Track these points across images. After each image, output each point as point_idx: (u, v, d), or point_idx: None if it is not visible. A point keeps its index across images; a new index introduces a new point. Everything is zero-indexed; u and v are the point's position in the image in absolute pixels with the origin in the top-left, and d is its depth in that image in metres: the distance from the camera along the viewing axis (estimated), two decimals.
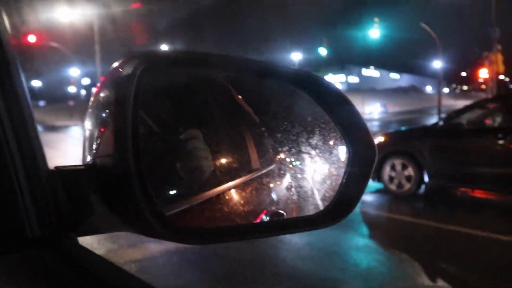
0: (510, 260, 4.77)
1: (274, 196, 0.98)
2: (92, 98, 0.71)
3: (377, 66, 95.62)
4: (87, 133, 0.70)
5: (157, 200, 0.60)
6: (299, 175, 0.95)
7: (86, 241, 0.64)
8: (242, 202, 0.90)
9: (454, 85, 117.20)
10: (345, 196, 0.81)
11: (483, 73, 27.07)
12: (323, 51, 31.26)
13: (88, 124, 0.71)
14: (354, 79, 78.60)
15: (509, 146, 6.84)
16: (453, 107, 24.10)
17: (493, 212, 7.05)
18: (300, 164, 0.95)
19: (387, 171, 7.93)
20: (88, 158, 0.68)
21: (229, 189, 0.89)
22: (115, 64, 0.63)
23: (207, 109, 1.02)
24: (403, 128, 13.81)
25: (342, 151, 0.89)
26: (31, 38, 26.06)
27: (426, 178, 7.56)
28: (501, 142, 6.92)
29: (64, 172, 0.62)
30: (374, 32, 27.82)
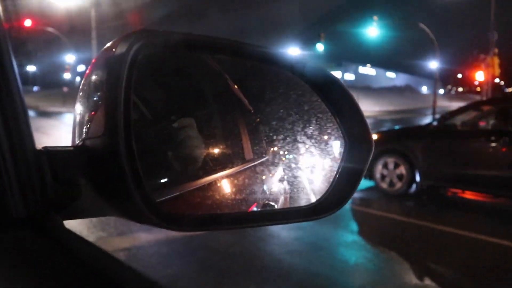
0: (496, 261, 4.82)
1: (266, 187, 0.97)
2: (83, 81, 0.69)
3: (374, 64, 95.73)
4: (78, 117, 0.69)
5: (148, 186, 0.59)
6: (293, 165, 0.94)
7: (74, 228, 0.63)
8: (233, 191, 0.90)
9: (449, 87, 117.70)
10: (338, 190, 0.80)
11: (479, 76, 27.19)
12: (320, 47, 31.21)
13: (78, 107, 0.69)
14: (350, 77, 78.66)
15: (501, 149, 6.88)
16: (447, 108, 24.20)
17: (482, 214, 7.11)
18: (294, 155, 0.94)
19: (379, 169, 7.96)
20: (78, 141, 0.66)
21: (221, 178, 0.89)
22: (108, 44, 0.61)
23: (201, 96, 1.01)
24: (397, 127, 13.88)
25: (337, 145, 0.88)
26: (27, 22, 25.80)
27: (417, 178, 7.60)
28: (494, 144, 6.96)
29: (52, 152, 0.61)
30: (373, 30, 27.83)
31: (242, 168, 0.95)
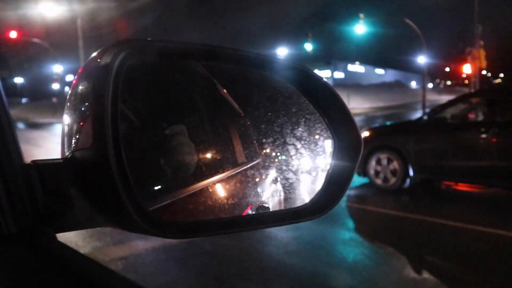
0: (493, 251, 4.85)
1: (259, 189, 0.97)
2: (69, 92, 0.69)
3: (363, 62, 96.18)
4: (66, 128, 0.68)
5: (139, 194, 0.59)
6: (284, 167, 0.94)
7: (70, 239, 0.62)
8: (227, 195, 0.89)
9: (438, 80, 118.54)
10: (331, 189, 0.80)
11: (466, 69, 27.42)
12: (308, 46, 31.30)
13: (66, 118, 0.69)
14: (339, 75, 78.94)
15: (491, 140, 6.94)
16: (437, 102, 24.37)
17: (477, 204, 7.17)
18: (285, 157, 0.94)
19: (372, 165, 7.99)
20: (67, 153, 0.65)
21: (214, 183, 0.88)
22: (93, 55, 0.61)
23: (191, 102, 1.01)
24: (388, 123, 13.94)
25: (328, 144, 0.88)
26: (12, 34, 25.59)
27: (411, 172, 7.65)
28: (484, 136, 7.02)
29: (41, 165, 0.60)
30: (360, 28, 27.97)
31: (234, 172, 0.95)
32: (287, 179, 0.92)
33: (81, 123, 0.62)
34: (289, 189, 0.91)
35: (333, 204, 0.77)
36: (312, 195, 0.85)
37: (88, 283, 0.48)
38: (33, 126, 26.60)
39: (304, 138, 0.90)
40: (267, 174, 0.96)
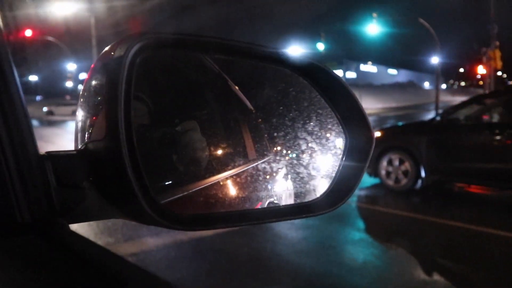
0: (505, 254, 4.79)
1: (270, 184, 0.97)
2: (83, 86, 0.70)
3: (375, 62, 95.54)
4: (79, 122, 0.69)
5: (152, 187, 0.59)
6: (295, 162, 0.94)
7: (81, 233, 0.64)
8: (238, 190, 0.90)
9: (451, 81, 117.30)
10: (341, 184, 0.80)
11: (481, 69, 27.06)
12: (321, 46, 31.19)
13: (80, 112, 0.70)
14: (352, 75, 78.54)
15: (506, 142, 6.85)
16: (450, 103, 24.12)
17: (489, 207, 7.08)
18: (296, 152, 0.94)
19: (384, 166, 7.94)
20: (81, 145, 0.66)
21: (225, 178, 0.89)
22: (106, 48, 0.62)
23: (203, 98, 1.01)
24: (400, 123, 13.83)
25: (338, 140, 0.88)
26: (28, 32, 25.90)
27: (423, 173, 7.58)
28: (498, 137, 6.93)
29: (55, 157, 0.61)
30: (373, 28, 27.78)
31: (245, 168, 0.95)
32: (298, 173, 0.92)
33: (94, 117, 0.63)
34: (300, 183, 0.91)
35: (343, 200, 0.77)
36: (323, 191, 0.85)
37: (102, 271, 0.49)
38: (47, 123, 26.91)
39: (315, 132, 0.90)
40: (278, 170, 0.96)
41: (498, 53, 25.15)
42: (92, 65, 0.66)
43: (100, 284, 0.46)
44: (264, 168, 0.96)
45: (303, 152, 0.92)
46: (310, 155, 0.92)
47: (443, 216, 6.26)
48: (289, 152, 0.94)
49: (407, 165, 7.72)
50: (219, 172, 0.87)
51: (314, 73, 0.83)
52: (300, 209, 0.85)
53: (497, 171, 6.83)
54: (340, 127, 0.85)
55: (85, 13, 30.02)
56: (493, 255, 4.74)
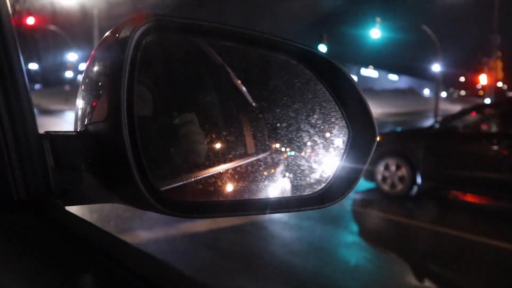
0: (496, 263, 4.80)
1: (269, 177, 0.96)
2: (83, 73, 0.69)
3: (376, 66, 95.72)
4: (81, 103, 0.68)
5: (151, 172, 0.59)
6: (297, 154, 0.93)
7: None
8: (236, 180, 0.89)
9: (452, 90, 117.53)
10: (342, 179, 0.79)
11: (482, 79, 27.13)
12: (322, 48, 31.23)
13: (80, 98, 0.69)
14: None
15: (503, 152, 6.87)
16: (450, 111, 24.19)
17: (483, 216, 7.09)
18: (298, 145, 0.93)
19: (380, 170, 7.94)
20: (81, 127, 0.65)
21: (224, 170, 0.88)
22: (112, 29, 0.60)
23: (203, 90, 1.00)
24: (399, 129, 13.85)
25: (341, 133, 0.87)
26: (30, 20, 25.81)
27: (419, 180, 7.59)
28: (495, 147, 6.95)
29: (54, 137, 0.60)
30: (375, 32, 27.82)
31: (245, 161, 0.94)
32: (299, 166, 0.91)
33: (96, 99, 0.62)
34: (300, 176, 0.91)
35: (343, 194, 0.77)
36: (323, 184, 0.84)
37: (98, 250, 0.48)
38: (45, 112, 26.82)
39: (318, 125, 0.90)
40: (279, 162, 0.95)
41: (499, 64, 25.23)
42: (93, 51, 0.65)
43: (97, 262, 0.46)
44: (265, 159, 0.95)
45: (305, 144, 0.92)
46: (312, 148, 0.91)
47: (437, 223, 6.28)
48: (291, 143, 0.93)
49: (403, 171, 7.73)
50: (217, 164, 0.86)
51: (322, 65, 0.82)
52: (301, 201, 0.84)
53: (492, 181, 6.84)
54: (344, 121, 0.84)
55: (89, 4, 29.95)
56: (484, 264, 4.75)
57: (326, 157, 0.89)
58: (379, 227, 6.32)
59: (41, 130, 0.62)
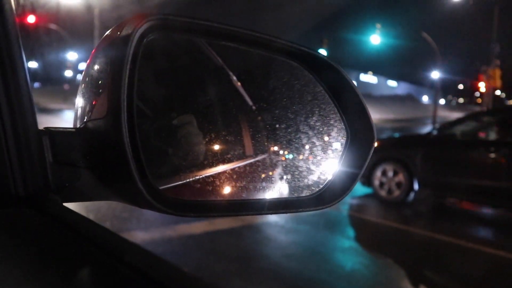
0: (492, 271, 4.80)
1: (268, 178, 0.96)
2: (84, 71, 0.69)
3: (376, 72, 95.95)
4: (81, 100, 0.68)
5: (149, 170, 0.59)
6: (295, 155, 0.93)
7: None
8: (234, 181, 0.89)
9: (450, 97, 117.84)
10: (340, 181, 0.80)
11: (481, 87, 27.22)
12: (322, 53, 31.25)
13: (80, 95, 0.69)
14: None
15: (500, 160, 6.88)
16: (448, 118, 24.24)
17: (479, 224, 7.11)
18: (297, 147, 0.93)
19: (377, 176, 7.95)
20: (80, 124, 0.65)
21: (221, 172, 0.88)
22: (113, 28, 0.61)
23: (203, 91, 1.00)
24: (396, 135, 13.88)
25: (340, 135, 0.87)
26: (31, 19, 25.77)
27: (416, 186, 7.60)
28: (492, 155, 6.96)
29: (53, 133, 0.60)
30: (375, 38, 27.91)
31: (243, 163, 0.94)
32: (297, 167, 0.92)
33: (94, 102, 0.62)
34: (298, 177, 0.91)
35: (340, 196, 0.77)
36: (321, 186, 0.85)
37: (96, 245, 0.48)
38: (44, 111, 26.77)
39: (317, 127, 0.90)
40: (277, 163, 0.96)
41: (498, 72, 25.31)
42: (94, 50, 0.65)
43: (95, 258, 0.46)
44: (264, 160, 0.95)
45: (303, 146, 0.92)
46: (311, 150, 0.91)
47: (433, 229, 6.28)
48: (289, 145, 0.94)
49: (400, 177, 7.74)
50: (215, 165, 0.87)
51: (321, 67, 0.83)
52: (298, 203, 0.84)
53: (489, 189, 6.85)
54: (343, 124, 0.85)
55: (90, 3, 29.96)
56: (480, 272, 4.76)
57: (324, 159, 0.89)
58: (375, 233, 6.32)
59: (39, 128, 0.62)
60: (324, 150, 0.90)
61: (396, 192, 7.77)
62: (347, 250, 5.34)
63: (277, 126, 0.95)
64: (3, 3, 0.60)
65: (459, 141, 7.72)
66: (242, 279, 4.10)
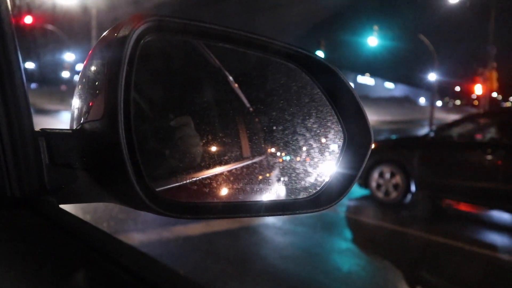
0: (488, 273, 4.81)
1: (265, 180, 0.96)
2: (80, 73, 0.68)
3: (373, 74, 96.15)
4: (77, 101, 0.68)
5: (145, 171, 0.58)
6: (292, 158, 0.93)
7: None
8: (231, 183, 0.89)
9: (447, 99, 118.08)
10: (337, 183, 0.80)
11: (477, 89, 27.31)
12: (320, 55, 31.28)
13: (77, 96, 0.69)
14: None
15: (496, 162, 6.90)
16: (445, 120, 24.32)
17: (477, 225, 7.12)
18: (294, 149, 0.93)
19: (375, 178, 7.96)
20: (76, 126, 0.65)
21: (218, 174, 0.88)
22: (110, 29, 0.60)
23: (200, 93, 1.00)
24: (394, 137, 13.90)
25: (337, 138, 0.87)
26: (28, 19, 25.70)
27: (413, 188, 7.60)
28: (489, 157, 6.98)
29: (50, 134, 0.60)
30: (373, 40, 27.97)
31: (240, 164, 0.94)
32: (294, 169, 0.91)
33: (91, 103, 0.62)
34: (295, 179, 0.91)
35: (337, 198, 0.77)
36: (318, 188, 0.85)
37: (92, 247, 0.48)
38: (41, 111, 26.70)
39: (314, 129, 0.90)
40: (274, 165, 0.96)
41: (494, 74, 25.41)
42: (91, 51, 0.65)
43: (90, 259, 0.45)
44: (261, 162, 0.95)
45: (300, 148, 0.92)
46: (308, 152, 0.91)
47: (430, 231, 6.28)
48: (286, 147, 0.94)
49: (398, 179, 7.75)
50: (212, 167, 0.86)
51: (318, 69, 0.83)
52: (296, 205, 0.84)
53: (487, 190, 6.87)
54: (340, 126, 0.85)
55: (88, 4, 29.92)
56: (477, 273, 4.76)
57: (321, 161, 0.89)
58: (372, 234, 6.32)
59: (35, 129, 0.62)
60: (321, 152, 0.90)
61: (393, 194, 7.78)
62: (344, 252, 5.34)
63: (274, 128, 0.95)
64: None
65: (456, 143, 7.74)
66: (239, 281, 4.10)
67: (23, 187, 0.57)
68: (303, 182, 0.90)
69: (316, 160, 0.90)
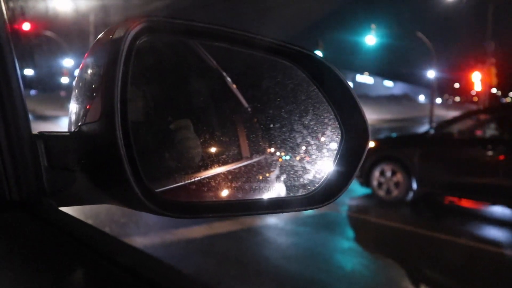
0: (492, 269, 4.81)
1: (263, 178, 0.96)
2: (77, 74, 0.69)
3: (372, 73, 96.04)
4: (75, 104, 0.68)
5: (144, 171, 0.58)
6: (290, 155, 0.93)
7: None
8: (231, 182, 0.89)
9: (446, 96, 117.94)
10: (335, 179, 0.80)
11: (476, 86, 27.32)
12: (318, 54, 31.26)
13: (73, 103, 0.69)
14: None
15: (497, 158, 6.90)
16: (444, 117, 24.31)
17: (479, 222, 7.11)
18: (292, 146, 0.93)
19: (376, 176, 7.95)
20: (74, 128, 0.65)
21: (217, 174, 0.88)
22: (106, 30, 0.61)
23: (198, 94, 1.01)
24: (394, 135, 13.89)
25: (334, 134, 0.87)
26: (26, 26, 25.70)
27: (414, 185, 7.60)
28: (490, 153, 6.97)
29: (48, 137, 0.60)
30: (371, 39, 27.97)
31: (239, 165, 0.95)
32: (292, 166, 0.92)
33: (88, 106, 0.62)
34: (293, 177, 0.91)
35: (336, 195, 0.77)
36: (317, 185, 0.85)
37: (91, 248, 0.48)
38: (41, 118, 26.70)
39: (311, 126, 0.90)
40: (273, 163, 0.96)
41: (493, 70, 25.40)
42: (86, 54, 0.65)
43: (90, 260, 0.46)
44: (259, 160, 0.96)
45: (298, 145, 0.92)
46: (305, 149, 0.91)
47: (432, 228, 6.28)
48: (284, 144, 0.94)
49: (399, 177, 7.75)
50: (211, 167, 0.87)
51: (314, 66, 0.83)
52: (294, 202, 0.84)
53: (488, 186, 6.86)
54: (337, 122, 0.85)
55: (85, 10, 29.96)
56: (480, 270, 4.76)
57: (319, 159, 0.90)
58: (374, 233, 6.31)
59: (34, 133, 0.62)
60: (319, 149, 0.90)
61: (395, 192, 7.78)
62: (346, 251, 5.33)
63: (272, 126, 0.95)
64: None
65: (456, 139, 7.74)
66: (243, 282, 4.09)
67: (22, 190, 0.57)
68: (301, 180, 0.90)
69: (314, 157, 0.90)
